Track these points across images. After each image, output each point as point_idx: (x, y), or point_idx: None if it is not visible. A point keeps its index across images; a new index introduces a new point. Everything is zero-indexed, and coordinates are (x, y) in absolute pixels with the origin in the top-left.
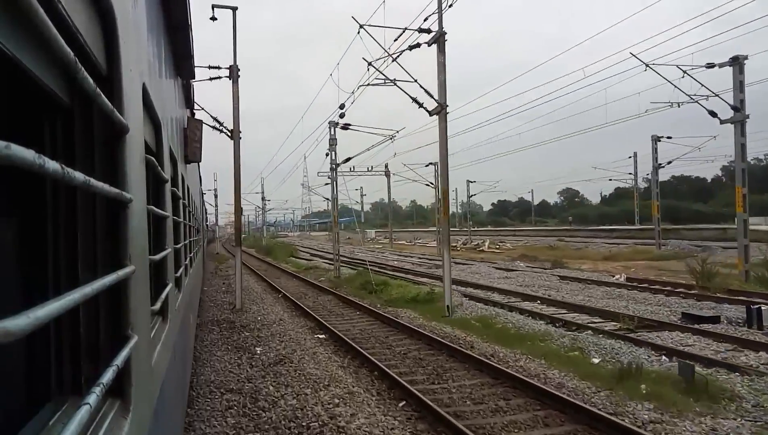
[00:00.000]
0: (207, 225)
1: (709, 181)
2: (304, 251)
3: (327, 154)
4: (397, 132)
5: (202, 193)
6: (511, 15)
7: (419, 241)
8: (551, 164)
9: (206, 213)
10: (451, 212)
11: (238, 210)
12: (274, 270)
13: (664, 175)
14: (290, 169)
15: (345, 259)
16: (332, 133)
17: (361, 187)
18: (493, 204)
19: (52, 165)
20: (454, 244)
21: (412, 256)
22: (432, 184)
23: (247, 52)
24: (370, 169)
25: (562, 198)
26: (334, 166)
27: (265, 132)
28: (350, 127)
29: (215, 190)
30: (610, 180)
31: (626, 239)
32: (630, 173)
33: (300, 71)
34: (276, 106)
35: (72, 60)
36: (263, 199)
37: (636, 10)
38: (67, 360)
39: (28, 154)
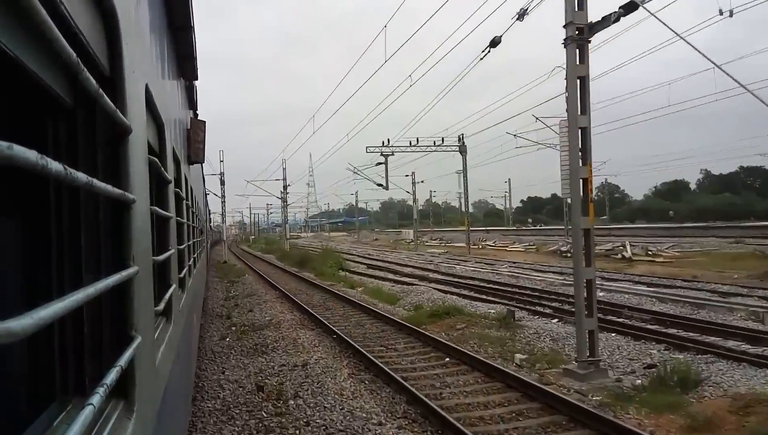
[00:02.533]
0: (211, 226)
1: None
2: (349, 260)
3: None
4: None
5: (206, 194)
6: None
7: (484, 243)
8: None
9: (210, 213)
10: (470, 211)
11: None
12: (364, 316)
13: (731, 166)
14: (295, 168)
15: (477, 285)
16: None
17: (413, 173)
18: (522, 201)
19: (55, 166)
20: (552, 249)
21: (555, 271)
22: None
23: (246, 51)
24: (439, 142)
25: (599, 193)
26: (577, 30)
27: (267, 130)
28: None
29: (221, 175)
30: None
31: None
32: None
33: (302, 70)
34: (277, 106)
35: (74, 61)
36: (285, 187)
37: None
38: (70, 360)
39: (30, 154)
